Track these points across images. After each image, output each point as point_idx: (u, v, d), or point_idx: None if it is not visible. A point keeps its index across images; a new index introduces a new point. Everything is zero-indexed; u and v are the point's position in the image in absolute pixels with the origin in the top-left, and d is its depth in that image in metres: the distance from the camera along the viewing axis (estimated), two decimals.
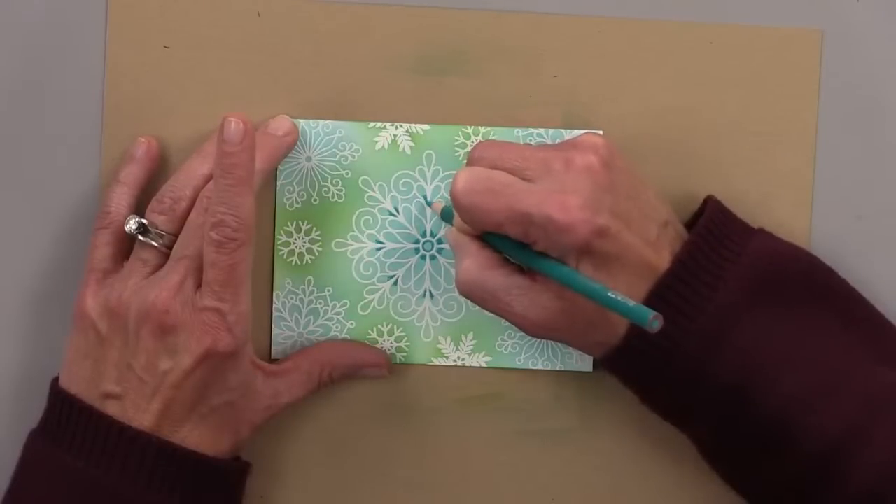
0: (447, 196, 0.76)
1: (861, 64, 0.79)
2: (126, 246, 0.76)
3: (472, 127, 0.78)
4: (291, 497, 0.80)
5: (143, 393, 0.73)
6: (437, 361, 0.80)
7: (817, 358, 0.73)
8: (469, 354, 0.79)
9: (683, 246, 0.73)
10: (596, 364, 0.79)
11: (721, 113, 0.79)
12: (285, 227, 0.79)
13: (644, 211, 0.73)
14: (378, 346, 0.79)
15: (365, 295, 0.79)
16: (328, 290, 0.79)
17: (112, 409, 0.73)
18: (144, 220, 0.75)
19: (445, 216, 0.77)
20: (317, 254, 0.79)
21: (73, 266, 0.79)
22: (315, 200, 0.79)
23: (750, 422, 0.73)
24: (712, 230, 0.74)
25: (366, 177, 0.79)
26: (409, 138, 0.79)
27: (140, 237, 0.75)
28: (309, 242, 0.79)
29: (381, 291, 0.79)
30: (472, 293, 0.74)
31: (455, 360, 0.79)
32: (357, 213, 0.79)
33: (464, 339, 0.79)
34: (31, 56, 0.78)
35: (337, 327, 0.79)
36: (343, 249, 0.79)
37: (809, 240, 0.79)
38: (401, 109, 0.79)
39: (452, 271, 0.79)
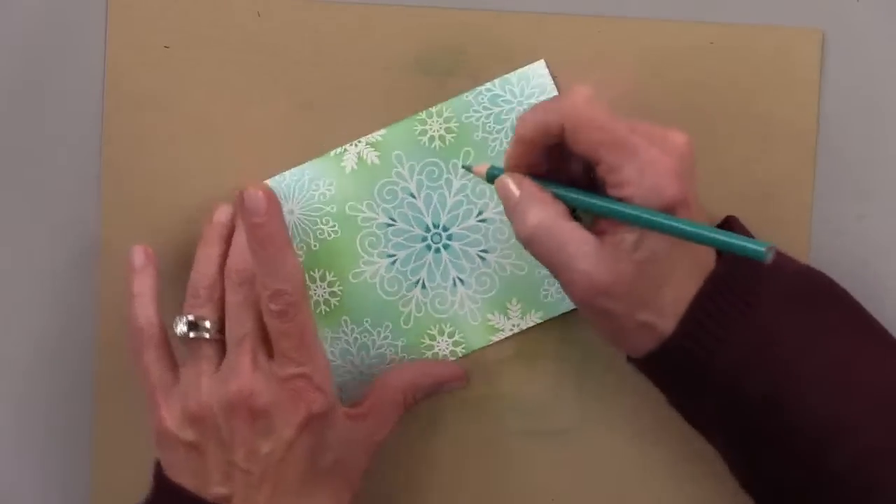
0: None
1: (861, 64, 0.79)
2: (172, 352, 0.76)
3: (425, 111, 0.78)
4: None
5: (251, 483, 0.72)
6: (495, 338, 0.80)
7: (853, 376, 0.72)
8: (521, 318, 0.79)
9: (720, 256, 0.73)
10: None
11: (721, 113, 0.79)
12: None
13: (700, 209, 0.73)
14: (435, 347, 0.79)
15: (401, 309, 0.79)
16: (367, 321, 0.79)
17: None
18: (191, 317, 0.74)
19: (493, 176, 0.75)
20: (340, 294, 0.79)
21: (72, 266, 0.79)
22: (315, 246, 0.79)
23: (782, 433, 0.72)
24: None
25: (350, 202, 0.79)
26: (372, 149, 0.78)
27: (192, 335, 0.74)
28: (327, 286, 0.79)
29: (413, 299, 0.79)
30: (541, 241, 0.71)
31: (511, 329, 0.80)
32: (358, 238, 0.79)
33: (510, 306, 0.79)
34: (31, 56, 0.78)
35: (391, 350, 0.79)
36: (361, 278, 0.79)
37: (809, 240, 0.79)
38: (401, 109, 0.79)
39: (471, 250, 0.79)
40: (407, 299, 0.79)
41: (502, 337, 0.80)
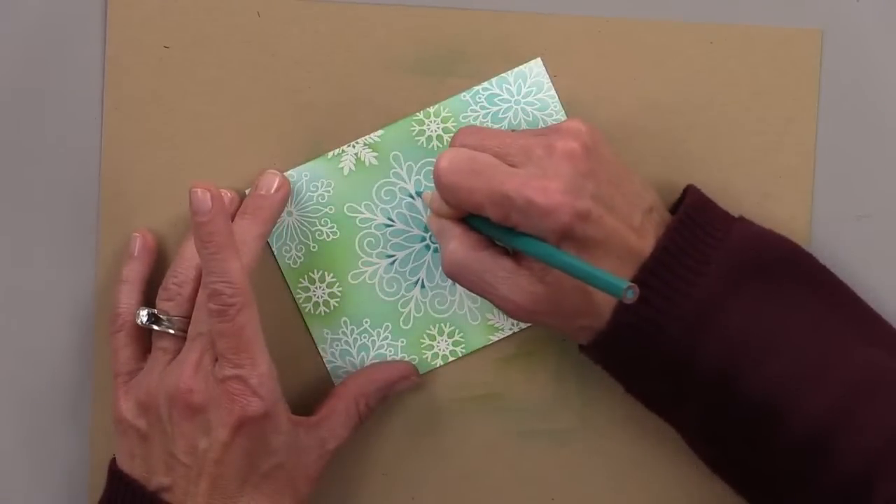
0: (432, 185, 0.77)
1: (861, 64, 0.79)
2: (145, 342, 0.77)
3: (423, 111, 0.78)
4: None
5: (189, 477, 0.73)
6: (494, 337, 0.80)
7: (803, 342, 0.73)
8: None
9: (665, 231, 0.73)
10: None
11: (721, 113, 0.79)
12: (300, 284, 0.79)
13: (628, 197, 0.73)
14: (434, 347, 0.80)
15: (400, 309, 0.79)
16: (366, 322, 0.79)
17: (167, 499, 0.74)
18: (154, 310, 0.76)
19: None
20: (339, 294, 0.79)
21: (71, 267, 0.79)
22: (314, 248, 0.79)
23: (736, 407, 0.73)
24: (693, 216, 0.74)
25: (349, 203, 0.79)
26: (370, 150, 0.79)
27: (154, 327, 0.76)
28: (327, 287, 0.79)
29: (413, 299, 0.79)
30: (460, 275, 0.74)
31: (511, 328, 0.80)
32: (357, 238, 0.79)
33: None
34: (31, 56, 0.79)
35: (391, 351, 0.80)
36: (360, 278, 0.79)
37: (809, 240, 0.79)
38: (401, 109, 0.79)
39: None
40: (406, 299, 0.79)
41: (502, 336, 0.80)
